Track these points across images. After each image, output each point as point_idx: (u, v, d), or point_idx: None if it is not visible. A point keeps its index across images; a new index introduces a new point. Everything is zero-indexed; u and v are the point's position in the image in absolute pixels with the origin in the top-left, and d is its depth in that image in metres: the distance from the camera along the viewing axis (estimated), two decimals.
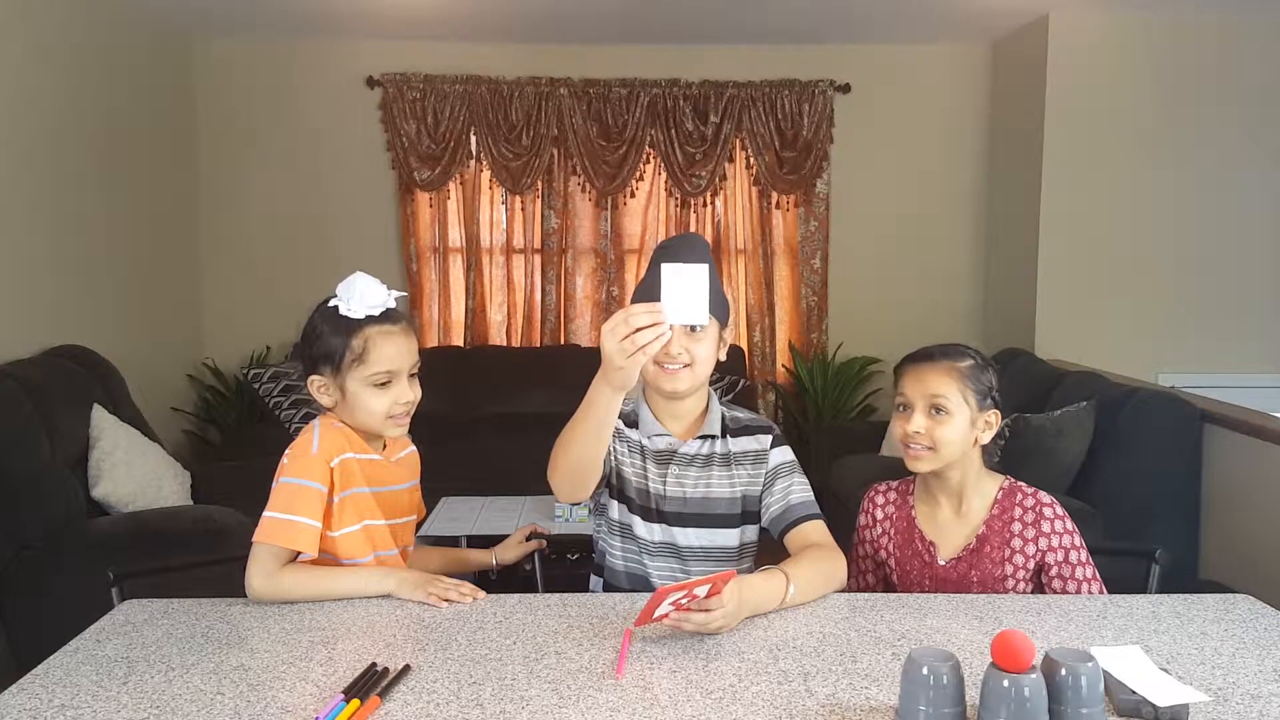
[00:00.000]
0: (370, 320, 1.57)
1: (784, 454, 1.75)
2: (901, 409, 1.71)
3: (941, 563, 1.71)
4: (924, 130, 5.21)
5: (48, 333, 3.67)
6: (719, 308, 1.67)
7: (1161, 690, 1.16)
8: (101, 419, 3.33)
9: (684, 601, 1.31)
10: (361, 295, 1.56)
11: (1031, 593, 1.68)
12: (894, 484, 1.83)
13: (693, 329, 1.63)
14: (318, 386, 1.60)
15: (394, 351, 1.57)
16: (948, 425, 1.65)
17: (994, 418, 1.69)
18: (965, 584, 1.69)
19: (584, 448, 1.46)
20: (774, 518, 1.70)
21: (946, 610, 1.50)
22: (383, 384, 1.57)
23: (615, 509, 1.73)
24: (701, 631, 1.35)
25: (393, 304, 1.61)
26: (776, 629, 1.41)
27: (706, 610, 1.32)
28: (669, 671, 1.26)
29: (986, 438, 1.70)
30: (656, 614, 1.31)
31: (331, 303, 1.59)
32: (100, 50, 4.17)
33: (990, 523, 1.70)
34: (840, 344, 5.29)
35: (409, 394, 1.60)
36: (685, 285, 1.27)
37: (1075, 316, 4.66)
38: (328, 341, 1.57)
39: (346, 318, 1.56)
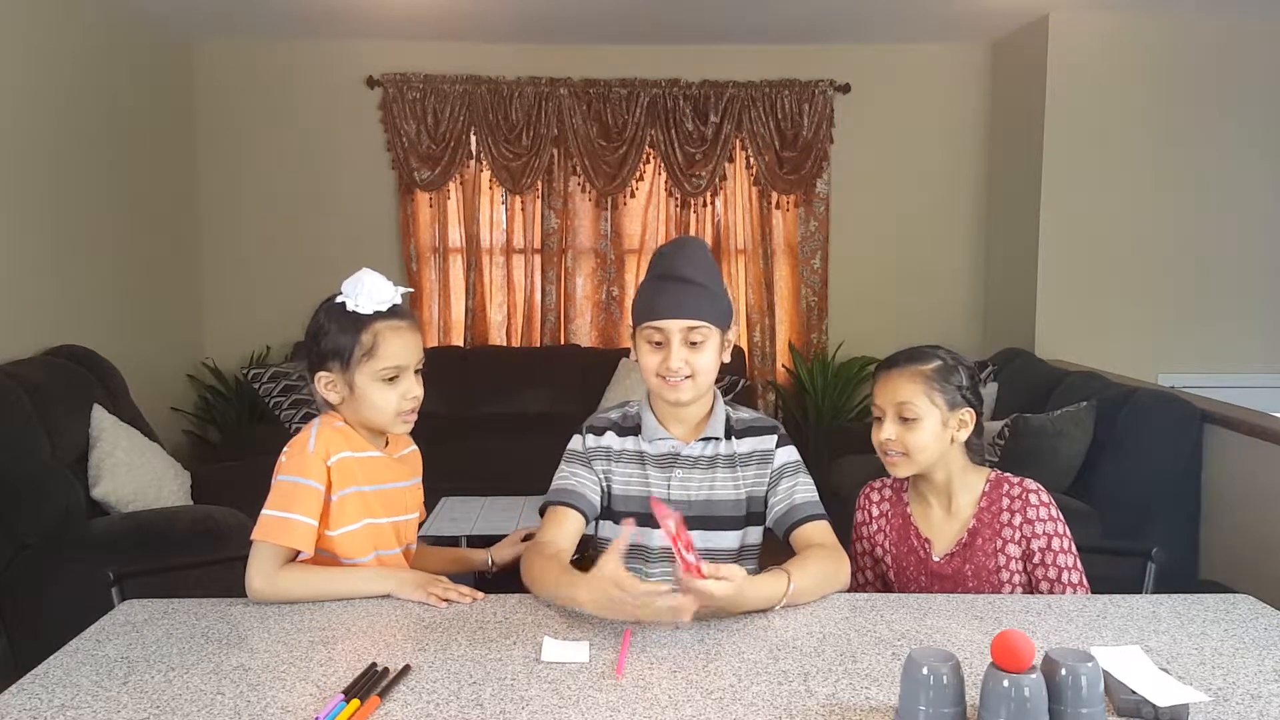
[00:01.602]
0: (379, 316, 1.57)
1: (789, 453, 1.75)
2: (876, 417, 1.73)
3: (936, 559, 1.72)
4: (924, 130, 5.21)
5: (48, 333, 3.67)
6: (720, 313, 1.67)
7: (1161, 690, 1.16)
8: (101, 419, 3.33)
9: (684, 551, 1.32)
10: (370, 291, 1.57)
11: (1025, 580, 1.69)
12: (888, 481, 1.84)
13: (693, 344, 1.63)
14: (325, 383, 1.60)
15: (402, 347, 1.58)
16: (918, 431, 1.67)
17: (968, 416, 1.70)
18: (960, 578, 1.70)
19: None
20: (778, 517, 1.70)
21: (946, 610, 1.50)
22: (391, 379, 1.58)
23: (610, 529, 1.74)
24: (700, 599, 1.32)
25: (399, 300, 1.61)
26: (776, 629, 1.41)
27: (717, 578, 1.31)
28: (669, 671, 1.26)
29: (963, 436, 1.71)
30: (666, 530, 1.32)
31: (338, 299, 1.59)
32: (100, 51, 4.17)
33: (980, 515, 1.71)
34: (840, 344, 5.29)
35: (416, 389, 1.61)
36: None
37: (1075, 316, 4.66)
38: (336, 338, 1.57)
39: (355, 313, 1.57)
